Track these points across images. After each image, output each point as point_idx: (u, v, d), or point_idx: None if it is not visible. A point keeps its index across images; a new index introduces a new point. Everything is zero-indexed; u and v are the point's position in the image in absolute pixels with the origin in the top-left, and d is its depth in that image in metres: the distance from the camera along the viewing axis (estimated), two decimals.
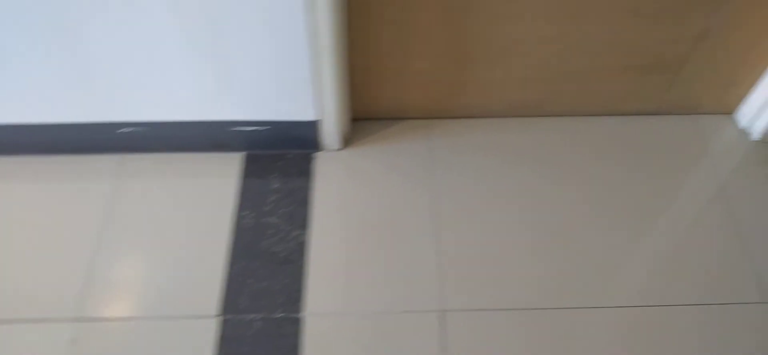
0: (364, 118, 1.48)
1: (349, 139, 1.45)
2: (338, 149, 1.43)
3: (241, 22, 1.11)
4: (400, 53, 1.29)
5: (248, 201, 1.36)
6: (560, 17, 1.22)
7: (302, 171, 1.40)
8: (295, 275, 1.25)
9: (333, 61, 1.19)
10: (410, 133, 1.46)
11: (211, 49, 1.17)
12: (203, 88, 1.25)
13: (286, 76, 1.23)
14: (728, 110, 1.49)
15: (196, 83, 1.24)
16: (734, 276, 1.25)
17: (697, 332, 1.18)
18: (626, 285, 1.24)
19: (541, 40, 1.28)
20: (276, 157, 1.43)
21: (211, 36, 1.14)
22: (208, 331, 1.17)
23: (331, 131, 1.37)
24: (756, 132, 1.44)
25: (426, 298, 1.22)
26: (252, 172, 1.41)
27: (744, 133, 1.47)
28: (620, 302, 1.21)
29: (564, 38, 1.27)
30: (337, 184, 1.38)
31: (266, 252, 1.29)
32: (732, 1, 1.20)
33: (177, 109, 1.31)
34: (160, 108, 1.30)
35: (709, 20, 1.24)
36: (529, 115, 1.48)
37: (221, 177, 1.38)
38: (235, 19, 1.11)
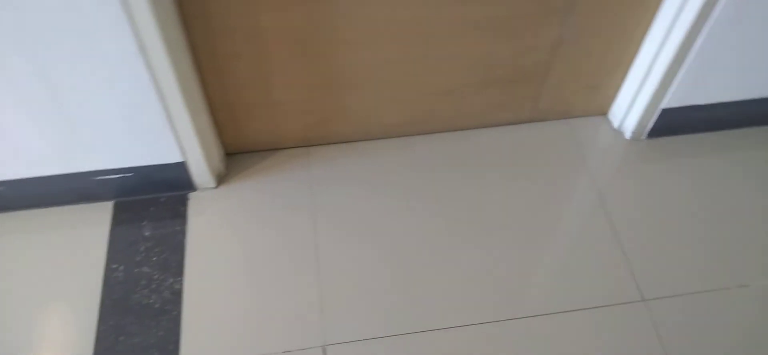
0: (241, 152, 1.44)
1: (224, 176, 1.41)
2: (213, 187, 1.39)
3: (78, 76, 1.07)
4: (258, 86, 1.26)
5: (118, 252, 1.30)
6: (411, 40, 1.22)
7: (175, 214, 1.35)
8: (170, 327, 1.20)
9: (183, 101, 1.15)
10: (288, 163, 1.43)
11: (51, 106, 1.11)
12: (56, 142, 1.19)
13: (139, 121, 1.18)
14: (602, 112, 1.51)
15: (46, 138, 1.18)
16: (614, 276, 1.26)
17: (583, 336, 1.18)
18: (508, 298, 1.24)
19: (398, 62, 1.27)
20: (147, 203, 1.37)
21: (49, 93, 1.09)
22: None
23: (201, 170, 1.32)
24: (628, 131, 1.47)
25: (307, 334, 1.19)
26: (123, 220, 1.35)
27: (618, 133, 1.49)
28: (505, 315, 1.21)
29: (421, 59, 1.27)
30: (213, 223, 1.33)
31: (139, 305, 1.23)
32: (579, 9, 1.22)
33: (34, 165, 1.25)
34: (13, 166, 1.23)
35: (561, 28, 1.26)
36: (407, 135, 1.47)
37: (92, 228, 1.32)
38: (70, 75, 1.06)
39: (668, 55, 1.26)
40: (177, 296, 1.24)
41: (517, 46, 1.28)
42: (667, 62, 1.28)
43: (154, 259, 1.29)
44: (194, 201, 1.37)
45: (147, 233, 1.33)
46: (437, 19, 1.19)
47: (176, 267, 1.28)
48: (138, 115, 1.17)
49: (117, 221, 1.35)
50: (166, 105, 1.15)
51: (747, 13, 1.19)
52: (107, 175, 1.31)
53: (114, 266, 1.28)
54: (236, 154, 1.44)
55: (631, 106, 1.42)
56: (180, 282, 1.26)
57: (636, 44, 1.33)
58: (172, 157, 1.28)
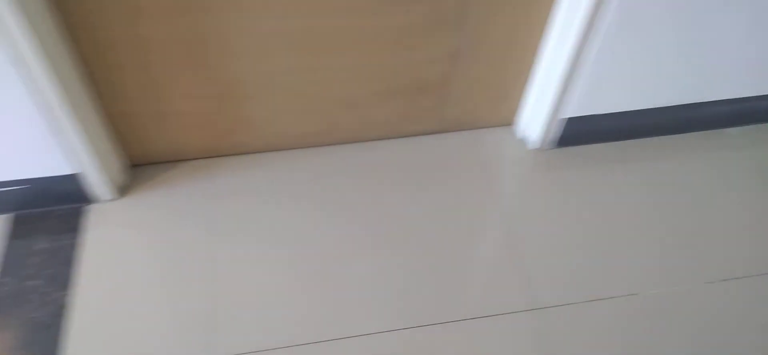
0: (147, 163, 1.43)
1: (126, 188, 1.40)
2: (114, 199, 1.37)
3: None
4: (148, 98, 1.26)
5: (10, 265, 1.28)
6: (303, 51, 1.22)
7: (71, 227, 1.34)
8: (51, 342, 1.18)
9: (72, 113, 1.14)
10: (192, 174, 1.43)
11: None
12: None
13: (25, 133, 1.17)
14: (508, 122, 1.53)
15: None
16: (508, 285, 1.27)
17: (468, 346, 1.19)
18: (403, 308, 1.24)
19: (293, 73, 1.27)
20: (44, 215, 1.36)
21: None
22: None
23: (98, 182, 1.31)
24: (532, 141, 1.48)
25: (199, 348, 1.18)
26: (18, 234, 1.33)
27: (523, 143, 1.51)
28: (398, 325, 1.21)
29: (317, 70, 1.27)
30: (110, 236, 1.32)
31: (26, 319, 1.21)
32: (471, 20, 1.23)
33: None
34: None
35: (457, 39, 1.27)
36: (313, 146, 1.47)
37: None
38: None
39: (562, 65, 1.28)
40: (62, 310, 1.23)
41: (415, 57, 1.29)
42: (562, 72, 1.30)
43: (46, 272, 1.28)
44: (93, 213, 1.36)
45: (41, 246, 1.31)
46: (326, 30, 1.20)
47: (65, 281, 1.26)
48: (23, 128, 1.16)
49: (13, 234, 1.33)
50: (54, 116, 1.14)
51: (635, 23, 1.21)
52: (3, 187, 1.29)
53: (5, 279, 1.26)
54: (142, 166, 1.43)
55: (533, 116, 1.44)
56: (67, 296, 1.24)
57: (533, 54, 1.35)
58: (66, 169, 1.27)
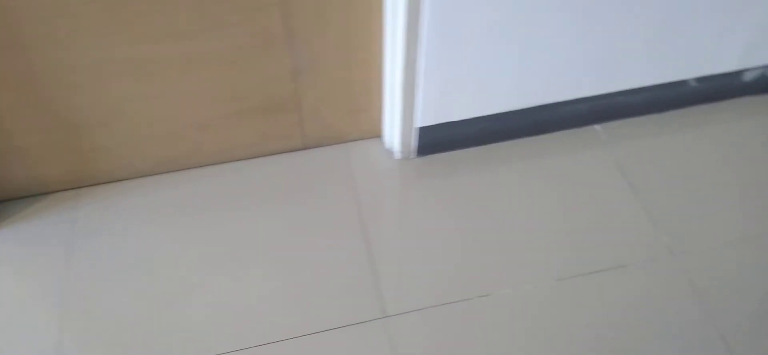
0: (7, 199, 1.43)
1: None
2: None
3: None
4: None
5: None
6: (141, 77, 1.24)
7: None
8: None
9: None
10: (54, 206, 1.43)
11: None
12: None
13: None
14: (375, 133, 1.55)
15: None
16: (362, 295, 1.28)
17: None
18: (256, 326, 1.24)
19: (137, 99, 1.29)
20: None
21: None
22: None
23: None
24: (396, 151, 1.50)
25: None
26: None
27: (389, 154, 1.53)
28: (249, 342, 1.21)
29: (160, 95, 1.29)
30: None
31: None
32: (300, 37, 1.25)
33: None
34: None
35: (294, 57, 1.29)
36: (180, 169, 1.48)
37: None
38: None
39: (399, 75, 1.30)
40: None
41: (255, 77, 1.31)
42: (402, 82, 1.32)
43: None
44: None
45: None
46: (154, 57, 1.21)
47: None
48: None
49: None
50: None
51: (458, 31, 1.24)
52: None
53: None
54: (3, 202, 1.43)
55: (393, 127, 1.46)
56: None
57: (377, 66, 1.37)
58: None
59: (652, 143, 1.55)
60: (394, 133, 1.47)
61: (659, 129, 1.57)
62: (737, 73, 1.56)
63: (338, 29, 1.27)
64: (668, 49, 1.43)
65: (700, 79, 1.54)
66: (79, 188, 1.47)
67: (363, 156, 1.53)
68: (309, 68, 1.33)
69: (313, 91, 1.39)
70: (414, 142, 1.47)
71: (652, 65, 1.47)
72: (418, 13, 1.19)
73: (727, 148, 1.54)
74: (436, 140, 1.49)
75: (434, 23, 1.21)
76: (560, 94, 1.48)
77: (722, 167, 1.50)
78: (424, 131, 1.45)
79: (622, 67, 1.45)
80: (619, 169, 1.50)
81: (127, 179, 1.48)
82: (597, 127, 1.58)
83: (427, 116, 1.42)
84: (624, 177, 1.48)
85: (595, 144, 1.55)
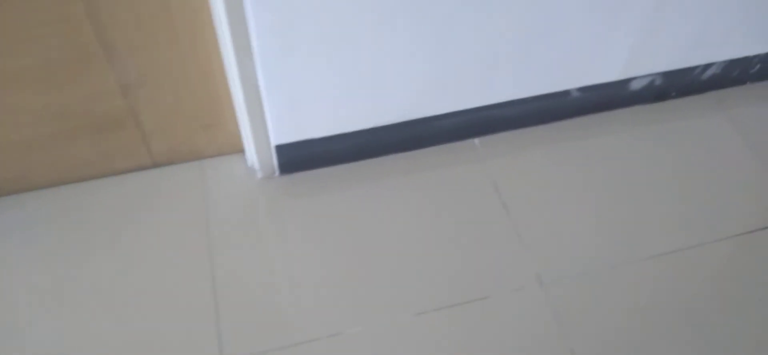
0: None
1: None
2: None
3: None
4: None
5: None
6: None
7: None
8: None
9: None
10: None
11: None
12: None
13: None
14: (237, 149, 1.42)
15: None
16: (200, 333, 1.17)
17: None
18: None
19: None
20: None
21: None
22: None
23: None
24: (258, 169, 1.38)
25: None
26: None
27: (251, 171, 1.40)
28: None
29: None
30: None
31: None
32: (120, 52, 1.12)
33: None
34: None
35: (119, 73, 1.16)
36: (18, 191, 1.33)
37: None
38: None
39: (240, 91, 1.18)
40: None
41: (76, 94, 1.17)
42: (244, 98, 1.20)
43: None
44: None
45: None
46: None
47: None
48: None
49: None
50: None
51: (292, 49, 1.12)
52: None
53: None
54: None
55: (250, 144, 1.34)
56: None
57: (222, 82, 1.24)
58: None
59: (531, 158, 1.46)
60: (251, 150, 1.35)
61: (539, 142, 1.49)
62: (623, 82, 1.48)
63: (168, 43, 1.13)
64: (546, 58, 1.34)
65: (583, 89, 1.45)
66: None
67: (221, 174, 1.40)
68: (140, 83, 1.19)
69: (153, 107, 1.25)
70: (274, 160, 1.36)
71: (530, 75, 1.38)
72: (245, 27, 1.06)
73: (609, 161, 1.46)
74: (301, 158, 1.38)
75: (266, 38, 1.08)
76: (432, 108, 1.38)
77: (602, 183, 1.42)
78: (283, 149, 1.33)
79: (497, 78, 1.35)
80: (494, 187, 1.40)
81: None
82: (476, 141, 1.49)
83: (283, 134, 1.30)
84: (498, 196, 1.39)
85: (472, 159, 1.46)
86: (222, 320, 1.19)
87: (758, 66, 1.58)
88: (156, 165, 1.40)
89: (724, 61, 1.53)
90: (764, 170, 1.45)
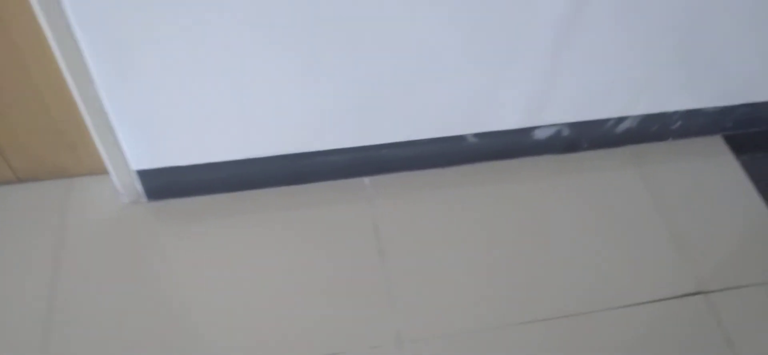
0: None
1: None
2: None
3: None
4: None
5: None
6: None
7: None
8: None
9: None
10: None
11: None
12: None
13: None
14: (103, 170, 1.35)
15: None
16: None
17: None
18: None
19: None
20: None
21: None
22: None
23: None
24: (124, 194, 1.31)
25: None
26: None
27: (119, 195, 1.33)
28: None
29: None
30: None
31: None
32: None
33: None
34: None
35: None
36: None
37: None
38: None
39: (86, 113, 1.11)
40: None
41: None
42: (92, 122, 1.13)
43: None
44: None
45: None
46: None
47: None
48: None
49: None
50: None
51: (138, 74, 1.04)
52: None
53: None
54: None
55: (113, 166, 1.26)
56: None
57: (73, 102, 1.17)
58: None
59: (420, 203, 1.38)
60: (115, 173, 1.27)
61: (433, 186, 1.40)
62: (526, 131, 1.40)
63: (12, 64, 1.07)
64: (433, 101, 1.26)
65: (480, 136, 1.37)
66: None
67: (86, 195, 1.33)
68: None
69: (4, 123, 1.18)
70: (137, 185, 1.28)
71: (420, 118, 1.30)
72: (78, 50, 0.99)
73: (506, 211, 1.37)
74: (170, 185, 1.30)
75: (104, 63, 1.01)
76: (317, 143, 1.30)
77: (495, 235, 1.34)
78: (148, 174, 1.26)
79: (382, 118, 1.27)
80: (374, 231, 1.32)
81: None
82: (366, 180, 1.41)
83: (143, 159, 1.23)
84: (377, 240, 1.31)
85: (358, 199, 1.38)
86: (51, 347, 1.11)
87: (679, 123, 1.49)
88: (20, 180, 1.33)
89: (640, 116, 1.43)
90: (669, 237, 1.36)
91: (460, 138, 1.37)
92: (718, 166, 1.52)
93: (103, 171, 1.35)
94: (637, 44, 1.23)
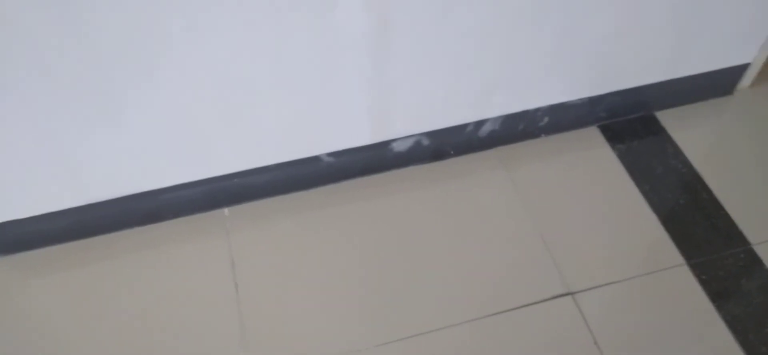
0: None
1: None
2: None
3: None
4: None
5: None
6: None
7: None
8: None
9: None
10: None
11: None
12: None
13: None
14: None
15: None
16: None
17: None
18: None
19: None
20: None
21: None
22: None
23: None
24: None
25: None
26: None
27: None
28: None
29: None
30: None
31: None
32: None
33: None
34: None
35: None
36: None
37: None
38: None
39: None
40: None
41: None
42: None
43: None
44: None
45: None
46: None
47: None
48: None
49: None
50: None
51: None
52: None
53: None
54: None
55: None
56: None
57: None
58: None
59: (278, 229, 1.35)
60: None
61: (291, 211, 1.38)
62: (382, 145, 1.37)
63: None
64: (266, 125, 1.23)
65: (335, 154, 1.34)
66: None
67: None
68: None
69: None
70: None
71: (264, 142, 1.27)
72: None
73: (368, 229, 1.35)
74: (16, 238, 1.27)
75: None
76: (158, 180, 1.27)
77: (356, 255, 1.31)
78: None
79: (224, 147, 1.24)
80: (231, 264, 1.29)
81: None
82: (225, 211, 1.37)
83: None
84: (232, 274, 1.28)
85: (215, 231, 1.35)
86: None
87: (546, 119, 1.47)
88: None
89: (500, 117, 1.41)
90: (538, 238, 1.33)
91: (315, 159, 1.35)
92: (591, 159, 1.50)
93: None
94: (467, 47, 1.21)
